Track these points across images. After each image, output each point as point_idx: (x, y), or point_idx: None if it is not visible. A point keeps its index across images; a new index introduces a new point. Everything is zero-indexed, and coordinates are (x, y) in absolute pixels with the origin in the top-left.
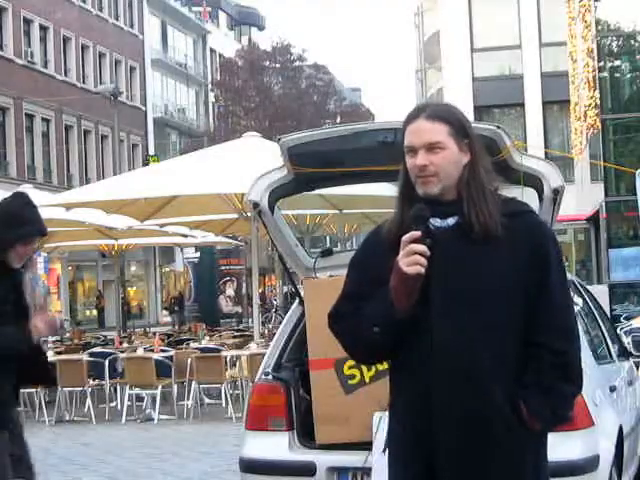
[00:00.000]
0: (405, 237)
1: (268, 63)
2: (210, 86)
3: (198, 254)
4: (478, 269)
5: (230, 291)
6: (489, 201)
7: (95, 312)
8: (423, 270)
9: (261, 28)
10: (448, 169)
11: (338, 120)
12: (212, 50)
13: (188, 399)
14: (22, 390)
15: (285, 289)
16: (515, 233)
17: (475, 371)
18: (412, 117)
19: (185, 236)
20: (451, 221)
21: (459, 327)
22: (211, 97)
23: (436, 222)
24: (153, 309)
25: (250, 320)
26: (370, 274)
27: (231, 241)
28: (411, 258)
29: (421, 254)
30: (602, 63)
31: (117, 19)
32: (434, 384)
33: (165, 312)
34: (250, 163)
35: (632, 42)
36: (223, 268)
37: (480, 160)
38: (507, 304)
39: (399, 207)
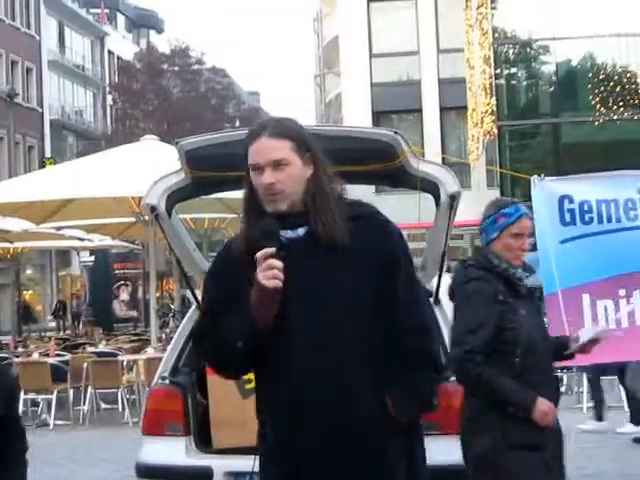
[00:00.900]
0: (259, 254)
1: (167, 66)
2: (108, 88)
3: (93, 258)
4: (330, 277)
5: (125, 295)
6: (334, 210)
7: None
8: (281, 283)
9: (160, 31)
10: (294, 184)
11: (237, 124)
12: (110, 52)
13: (84, 404)
14: None
15: (183, 293)
16: (360, 237)
17: (335, 376)
18: (255, 135)
19: (82, 239)
20: (301, 231)
21: (316, 335)
22: (109, 100)
23: (287, 233)
24: (49, 313)
25: (146, 324)
26: (225, 290)
27: (128, 245)
28: (268, 272)
29: (277, 268)
30: (499, 70)
31: (13, 19)
32: (297, 392)
33: (50, 317)
34: (148, 166)
35: (528, 50)
36: (117, 272)
37: (322, 169)
38: (360, 309)
39: (247, 223)
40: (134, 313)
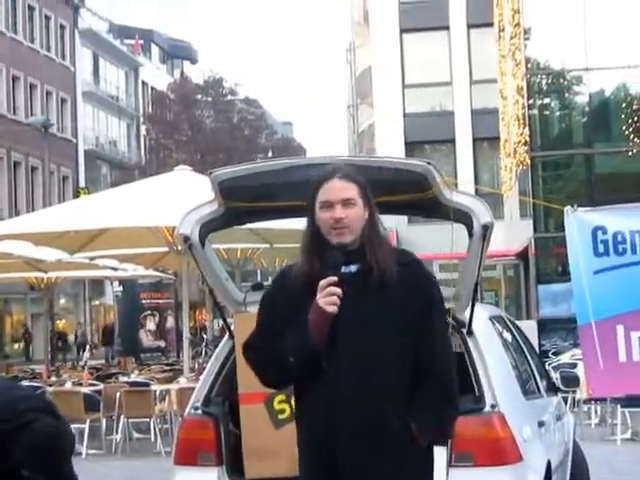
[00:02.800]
0: (324, 281)
1: (200, 96)
2: (142, 119)
3: (121, 288)
4: (376, 311)
5: (151, 325)
6: (386, 250)
7: (22, 345)
8: (337, 309)
9: (194, 61)
10: (357, 222)
11: (270, 154)
12: (144, 83)
13: (117, 433)
14: None
15: (215, 323)
16: (406, 280)
17: (373, 397)
18: (327, 177)
19: (115, 269)
20: (354, 268)
21: (359, 360)
22: (143, 130)
23: (342, 269)
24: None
25: (174, 354)
26: (280, 312)
27: (159, 274)
28: (330, 299)
29: (337, 295)
30: (532, 101)
31: (49, 50)
32: (339, 408)
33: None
34: (181, 196)
35: (561, 80)
36: (144, 302)
37: (376, 215)
38: (399, 342)
39: (309, 255)
40: (161, 343)
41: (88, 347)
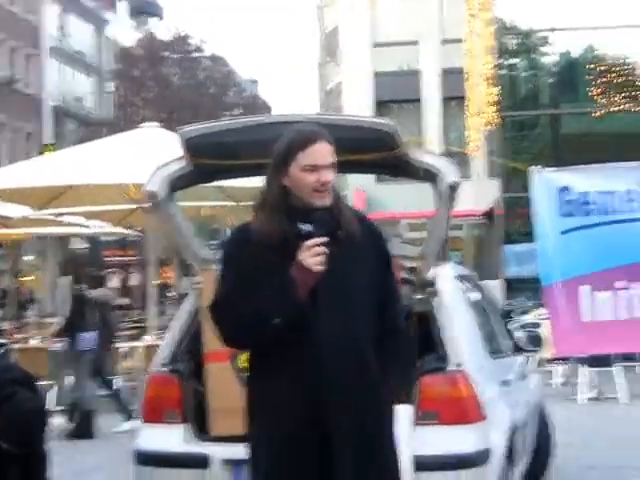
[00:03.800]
0: (312, 241)
1: (167, 53)
2: (109, 75)
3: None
4: (349, 268)
5: (115, 282)
6: (349, 210)
7: None
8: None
9: (160, 18)
10: (333, 184)
11: (237, 112)
12: (111, 39)
13: None
14: None
15: (183, 281)
16: (365, 237)
17: (356, 349)
18: (313, 139)
19: (81, 226)
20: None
21: (341, 317)
22: (110, 86)
23: (307, 227)
24: (50, 300)
25: (139, 312)
26: (247, 270)
27: (126, 232)
28: (319, 258)
29: (325, 255)
30: (500, 61)
31: (12, 4)
32: (324, 360)
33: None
34: (149, 153)
35: (529, 40)
36: (107, 260)
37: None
38: (369, 297)
39: (275, 215)
40: (125, 300)
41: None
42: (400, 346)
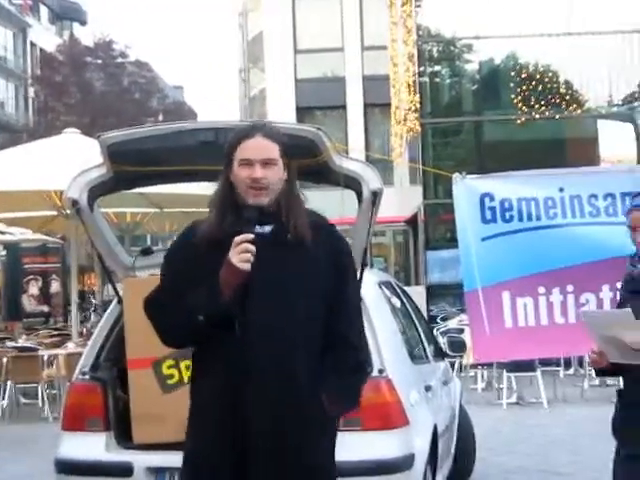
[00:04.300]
0: (238, 238)
1: (90, 59)
2: (30, 81)
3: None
4: (288, 270)
5: (34, 290)
6: (303, 214)
7: None
8: (250, 267)
9: (83, 23)
10: (276, 183)
11: (160, 118)
12: (33, 44)
13: (4, 399)
14: None
15: (105, 288)
16: (320, 242)
17: (286, 358)
18: (248, 134)
19: (1, 232)
20: (267, 228)
21: (272, 320)
22: (31, 92)
23: (256, 228)
24: None
25: (59, 319)
26: (185, 267)
27: (46, 238)
28: (243, 256)
29: (251, 252)
30: (422, 68)
31: None
32: (249, 369)
33: None
34: (70, 160)
35: (452, 48)
36: (27, 267)
37: (294, 176)
38: (310, 302)
39: (220, 212)
40: (44, 308)
41: None
42: (347, 360)
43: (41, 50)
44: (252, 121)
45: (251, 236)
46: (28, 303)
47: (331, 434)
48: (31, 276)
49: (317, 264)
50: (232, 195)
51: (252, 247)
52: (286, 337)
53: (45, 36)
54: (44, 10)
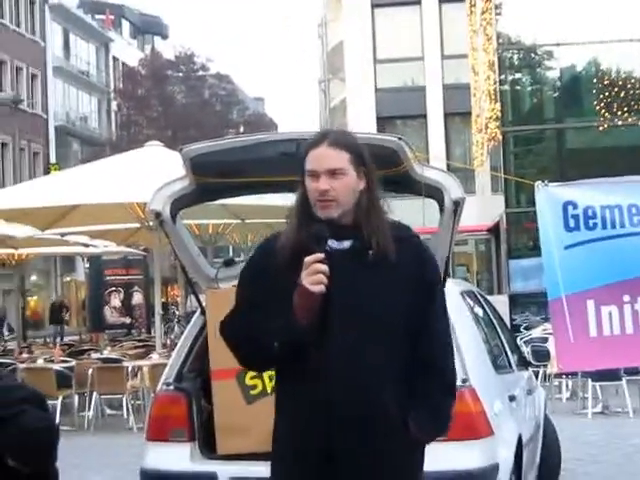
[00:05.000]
0: (309, 258)
1: (171, 72)
2: (113, 95)
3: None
4: (371, 290)
5: (116, 302)
6: (386, 227)
7: None
8: (324, 289)
9: (164, 37)
10: (347, 195)
11: (241, 130)
12: (115, 58)
13: (89, 410)
14: None
15: (188, 299)
16: (403, 258)
17: (366, 389)
18: (315, 143)
19: (86, 245)
20: (347, 244)
21: (353, 343)
22: (113, 106)
23: (333, 244)
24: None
25: (141, 331)
26: (262, 285)
27: (130, 251)
28: (315, 277)
29: (324, 273)
30: (503, 76)
31: (18, 26)
32: (332, 393)
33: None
34: (152, 172)
35: (532, 55)
36: (109, 279)
37: (376, 187)
38: (395, 323)
39: (296, 226)
40: (126, 319)
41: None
42: (435, 385)
43: (123, 64)
44: (323, 130)
45: (322, 256)
46: (110, 315)
47: (420, 457)
48: (112, 288)
49: (401, 283)
50: (308, 207)
51: (324, 267)
52: (371, 366)
53: (127, 50)
54: (126, 25)
